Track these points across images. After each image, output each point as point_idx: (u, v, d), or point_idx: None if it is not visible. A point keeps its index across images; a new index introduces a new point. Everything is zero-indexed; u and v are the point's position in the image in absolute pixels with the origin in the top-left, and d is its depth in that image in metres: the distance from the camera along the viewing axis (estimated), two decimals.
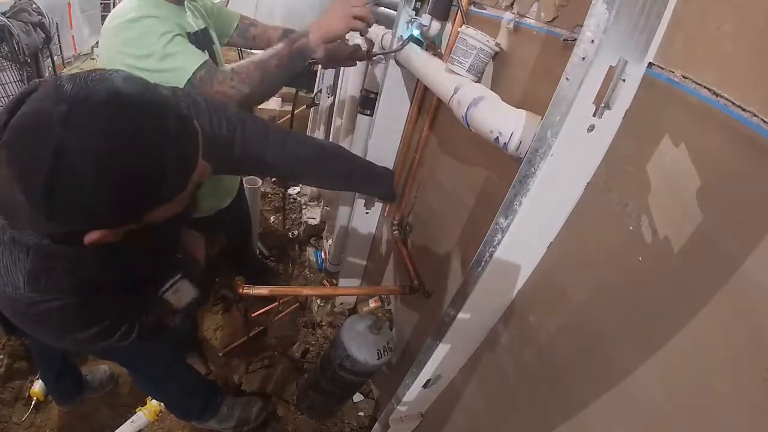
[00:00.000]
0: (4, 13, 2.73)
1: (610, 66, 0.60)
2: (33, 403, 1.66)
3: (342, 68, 2.64)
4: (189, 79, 1.01)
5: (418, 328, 1.51)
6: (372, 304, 1.39)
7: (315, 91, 3.38)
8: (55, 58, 3.42)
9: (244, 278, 1.35)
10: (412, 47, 1.29)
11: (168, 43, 1.00)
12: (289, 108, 4.10)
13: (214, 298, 2.21)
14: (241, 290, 1.31)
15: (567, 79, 0.61)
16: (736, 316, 0.52)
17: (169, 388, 1.46)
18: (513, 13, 0.95)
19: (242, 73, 1.03)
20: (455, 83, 0.94)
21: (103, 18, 5.45)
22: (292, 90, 4.46)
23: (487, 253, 0.78)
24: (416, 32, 1.24)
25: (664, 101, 0.61)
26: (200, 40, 1.23)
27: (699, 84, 0.56)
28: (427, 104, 1.45)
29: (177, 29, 1.04)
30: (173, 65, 1.01)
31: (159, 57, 1.00)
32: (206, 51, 1.24)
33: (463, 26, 0.98)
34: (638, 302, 0.65)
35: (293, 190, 3.22)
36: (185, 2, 1.20)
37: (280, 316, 2.19)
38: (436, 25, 1.22)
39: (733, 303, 0.52)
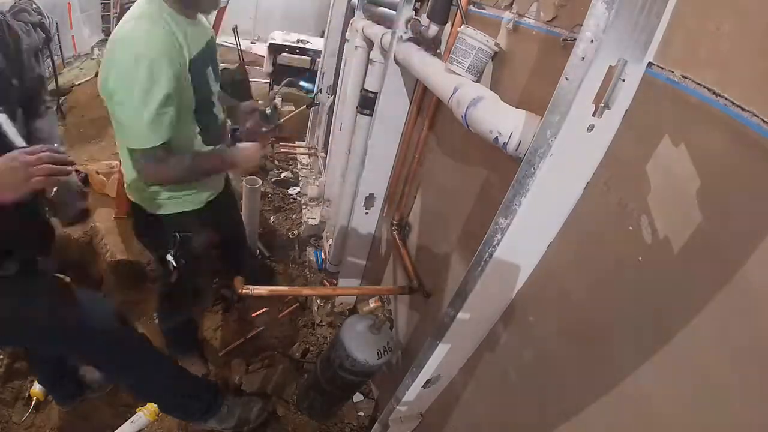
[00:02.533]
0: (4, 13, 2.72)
1: (610, 66, 0.60)
2: (33, 403, 1.65)
3: (342, 68, 2.64)
4: (140, 150, 1.10)
5: (418, 328, 1.51)
6: (372, 304, 1.40)
7: (315, 91, 3.38)
8: (55, 58, 3.42)
9: (243, 278, 1.35)
10: (412, 46, 1.29)
11: (147, 104, 1.04)
12: (289, 108, 4.11)
13: (214, 298, 2.21)
14: (240, 290, 1.31)
15: (567, 79, 0.61)
16: (736, 317, 0.52)
17: (170, 392, 1.46)
18: (512, 12, 0.95)
19: (170, 172, 1.18)
20: (455, 83, 0.94)
21: (104, 18, 5.44)
22: (293, 90, 4.48)
23: (487, 253, 0.78)
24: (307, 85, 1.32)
25: (664, 101, 0.61)
26: (206, 53, 1.23)
27: (699, 84, 0.56)
28: (426, 104, 1.45)
29: (175, 61, 1.07)
30: (141, 124, 1.07)
31: (134, 109, 1.05)
32: (211, 64, 1.26)
33: (462, 26, 0.98)
34: (638, 302, 0.65)
35: (293, 191, 3.22)
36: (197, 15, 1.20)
37: (280, 316, 2.19)
38: (434, 28, 1.22)
39: (733, 303, 0.52)
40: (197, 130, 1.28)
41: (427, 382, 1.09)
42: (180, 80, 1.09)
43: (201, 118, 1.26)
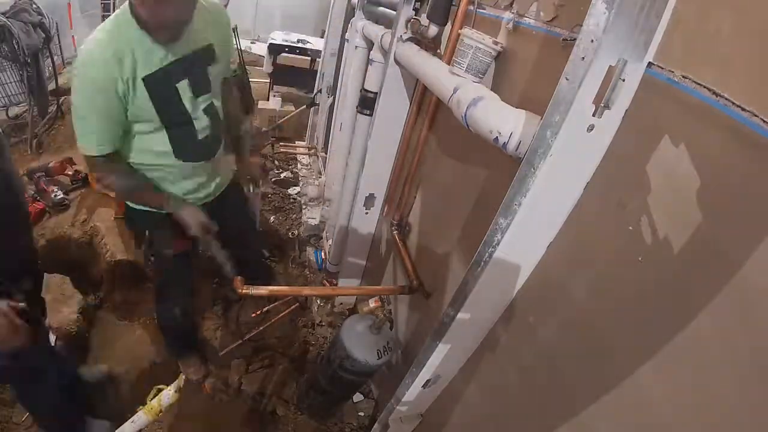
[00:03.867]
0: (4, 13, 2.73)
1: (610, 66, 0.60)
2: None
3: (342, 66, 2.64)
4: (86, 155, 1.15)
5: (418, 328, 1.51)
6: (372, 304, 1.39)
7: (315, 91, 3.38)
8: (55, 58, 3.41)
9: (243, 278, 1.35)
10: (412, 46, 1.29)
11: (81, 115, 1.10)
12: (289, 108, 4.11)
13: (214, 298, 2.21)
14: (241, 290, 1.31)
15: (567, 79, 0.61)
16: (735, 316, 0.52)
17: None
18: (512, 12, 0.95)
19: (111, 185, 1.28)
20: (455, 83, 0.94)
21: (104, 18, 5.43)
22: (293, 89, 4.48)
23: (487, 253, 0.78)
24: None
25: (664, 101, 0.61)
26: (181, 66, 1.15)
27: (699, 84, 0.56)
28: (426, 104, 1.45)
29: (111, 78, 1.05)
30: (81, 135, 1.13)
31: (77, 114, 1.11)
32: (189, 77, 1.18)
33: (465, 28, 0.98)
34: (638, 302, 0.65)
35: (293, 191, 3.22)
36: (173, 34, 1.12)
37: (280, 316, 2.19)
38: (434, 28, 1.22)
39: (732, 303, 0.52)
40: (167, 145, 1.23)
41: (427, 382, 1.09)
42: (121, 96, 1.09)
43: (173, 133, 1.22)
